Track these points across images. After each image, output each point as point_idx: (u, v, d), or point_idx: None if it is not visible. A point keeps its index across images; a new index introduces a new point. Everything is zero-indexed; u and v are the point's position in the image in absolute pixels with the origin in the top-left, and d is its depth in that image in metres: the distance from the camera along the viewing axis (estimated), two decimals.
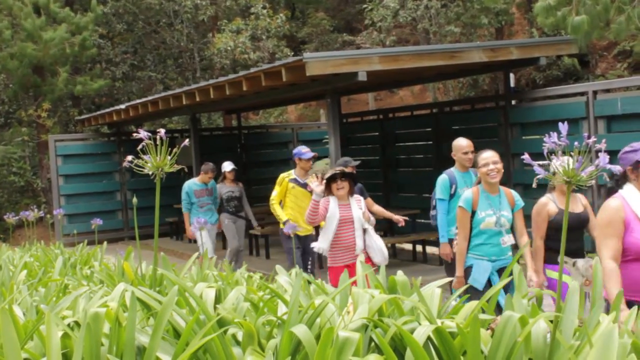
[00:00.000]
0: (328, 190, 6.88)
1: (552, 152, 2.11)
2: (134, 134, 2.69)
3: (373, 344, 2.35)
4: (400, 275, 2.92)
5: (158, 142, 2.63)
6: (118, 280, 3.83)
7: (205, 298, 2.80)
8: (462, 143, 6.98)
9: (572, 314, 2.42)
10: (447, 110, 12.67)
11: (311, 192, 8.38)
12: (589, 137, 2.15)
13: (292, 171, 9.10)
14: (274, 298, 2.94)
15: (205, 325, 2.25)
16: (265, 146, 18.02)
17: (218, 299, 2.97)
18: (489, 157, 5.66)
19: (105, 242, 6.31)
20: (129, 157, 2.66)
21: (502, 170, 5.74)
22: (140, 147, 2.65)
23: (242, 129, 18.06)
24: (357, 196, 7.13)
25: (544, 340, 2.33)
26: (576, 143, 2.08)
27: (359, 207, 7.01)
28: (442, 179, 7.10)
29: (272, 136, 18.37)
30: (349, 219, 6.86)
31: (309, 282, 3.28)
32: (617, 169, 2.14)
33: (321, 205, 6.86)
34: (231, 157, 17.54)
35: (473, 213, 5.71)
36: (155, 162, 2.64)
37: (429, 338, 2.26)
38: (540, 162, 2.14)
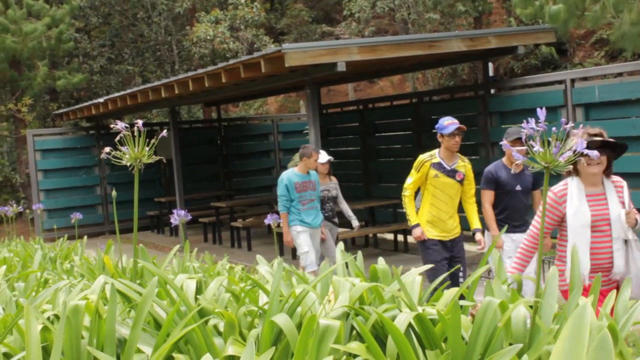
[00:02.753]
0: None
1: (530, 138, 2.12)
2: (112, 126, 2.66)
3: (355, 332, 2.35)
4: (381, 263, 2.93)
5: (136, 133, 2.61)
6: (99, 273, 3.81)
7: (186, 289, 2.80)
8: None
9: (552, 298, 2.43)
10: (426, 100, 12.70)
11: (460, 181, 6.48)
12: (566, 124, 2.17)
13: (435, 152, 6.59)
14: (255, 288, 2.94)
15: (186, 316, 2.24)
16: (246, 138, 17.98)
17: (199, 290, 2.96)
18: None
19: (85, 237, 6.28)
20: (107, 149, 2.64)
21: None
22: (118, 138, 2.63)
23: (222, 121, 18.02)
24: (616, 179, 4.35)
25: (524, 325, 2.34)
26: (554, 129, 2.09)
27: (620, 198, 4.27)
28: None
29: (252, 128, 18.34)
30: (603, 219, 4.20)
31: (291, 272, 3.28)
32: (594, 154, 2.15)
33: (553, 202, 4.26)
34: (211, 149, 17.61)
35: None
36: (133, 154, 2.62)
37: (410, 325, 2.26)
38: (518, 148, 2.15)
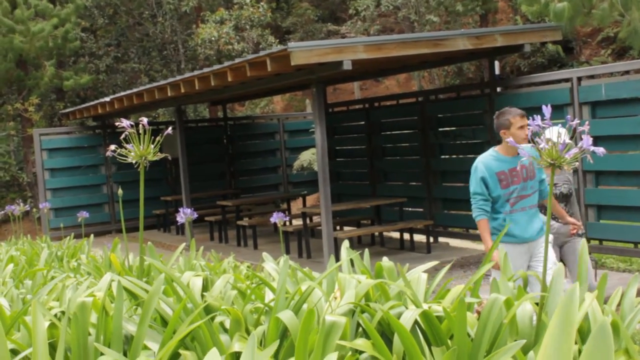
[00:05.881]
0: None
1: (535, 135, 2.12)
2: (117, 124, 2.67)
3: (361, 328, 2.36)
4: (385, 260, 2.93)
5: (141, 131, 2.62)
6: (105, 271, 3.82)
7: (192, 286, 2.80)
8: None
9: (558, 295, 2.43)
10: (432, 99, 12.69)
11: None
12: (572, 121, 2.17)
13: None
14: (261, 286, 2.95)
15: (193, 313, 2.25)
16: (252, 137, 18.01)
17: (205, 288, 2.97)
18: None
19: (92, 235, 6.30)
20: (112, 147, 2.65)
21: None
22: (123, 136, 2.64)
23: (228, 120, 18.04)
24: None
25: (530, 321, 2.34)
26: (559, 126, 2.09)
27: None
28: None
29: (258, 127, 18.36)
30: None
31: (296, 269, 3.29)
32: (600, 151, 2.15)
33: None
34: (217, 148, 17.63)
35: None
36: (138, 151, 2.63)
37: (416, 322, 2.27)
38: (524, 145, 2.15)
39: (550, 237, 5.30)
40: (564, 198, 6.10)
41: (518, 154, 5.06)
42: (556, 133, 2.15)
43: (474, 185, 5.28)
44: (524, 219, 5.23)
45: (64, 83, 19.23)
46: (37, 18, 18.96)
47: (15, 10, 18.27)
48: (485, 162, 5.24)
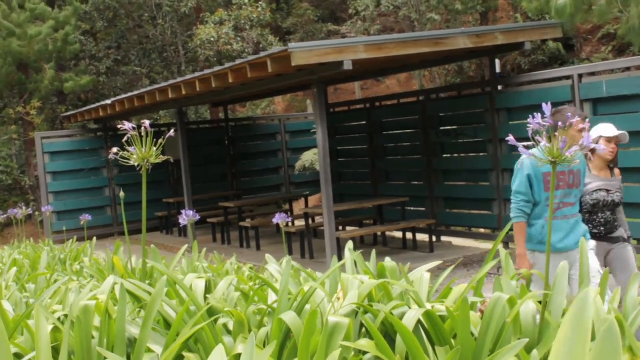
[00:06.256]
0: None
1: (536, 133, 2.11)
2: (120, 126, 2.67)
3: (364, 329, 2.36)
4: (388, 261, 2.93)
5: (143, 134, 2.62)
6: (108, 274, 3.83)
7: (195, 289, 2.81)
8: None
9: (561, 294, 2.43)
10: (433, 98, 12.68)
11: None
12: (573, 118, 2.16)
13: None
14: (264, 287, 2.94)
15: (196, 315, 2.25)
16: (253, 138, 18.02)
17: (208, 290, 2.97)
18: None
19: (94, 238, 6.30)
20: (115, 149, 2.65)
21: None
22: (125, 139, 2.64)
23: (230, 121, 18.05)
24: None
25: (534, 320, 2.34)
26: (560, 123, 2.09)
27: None
28: None
29: (259, 128, 18.37)
30: None
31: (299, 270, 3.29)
32: (601, 148, 2.14)
33: None
34: (219, 149, 17.63)
35: None
36: (140, 154, 2.63)
37: (419, 322, 2.26)
38: (525, 143, 2.15)
39: (592, 243, 5.02)
40: (614, 206, 5.52)
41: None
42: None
43: (518, 183, 4.84)
44: (565, 228, 4.84)
45: (64, 85, 19.26)
46: (37, 21, 18.97)
47: (13, 13, 18.30)
48: (532, 160, 4.60)
